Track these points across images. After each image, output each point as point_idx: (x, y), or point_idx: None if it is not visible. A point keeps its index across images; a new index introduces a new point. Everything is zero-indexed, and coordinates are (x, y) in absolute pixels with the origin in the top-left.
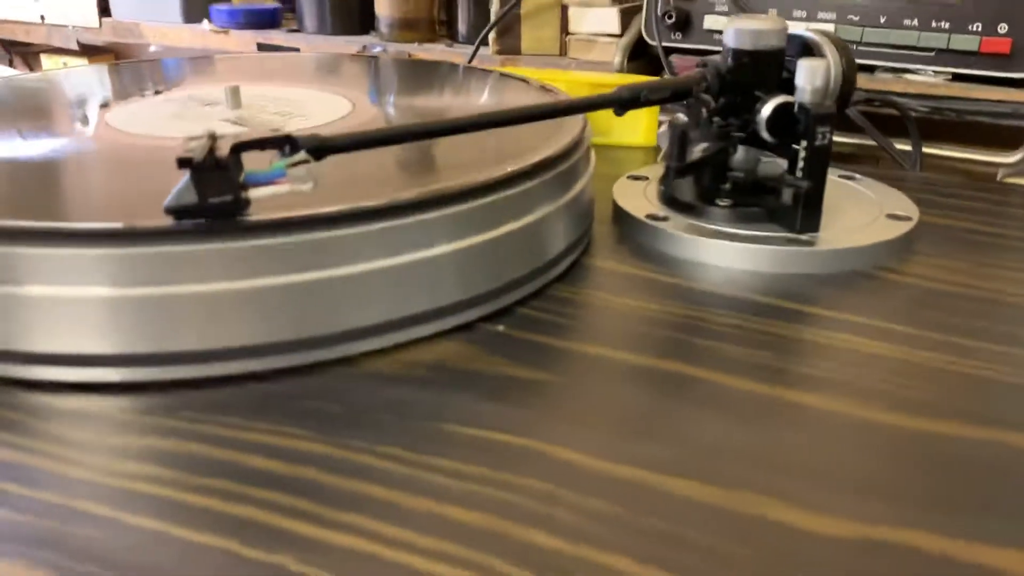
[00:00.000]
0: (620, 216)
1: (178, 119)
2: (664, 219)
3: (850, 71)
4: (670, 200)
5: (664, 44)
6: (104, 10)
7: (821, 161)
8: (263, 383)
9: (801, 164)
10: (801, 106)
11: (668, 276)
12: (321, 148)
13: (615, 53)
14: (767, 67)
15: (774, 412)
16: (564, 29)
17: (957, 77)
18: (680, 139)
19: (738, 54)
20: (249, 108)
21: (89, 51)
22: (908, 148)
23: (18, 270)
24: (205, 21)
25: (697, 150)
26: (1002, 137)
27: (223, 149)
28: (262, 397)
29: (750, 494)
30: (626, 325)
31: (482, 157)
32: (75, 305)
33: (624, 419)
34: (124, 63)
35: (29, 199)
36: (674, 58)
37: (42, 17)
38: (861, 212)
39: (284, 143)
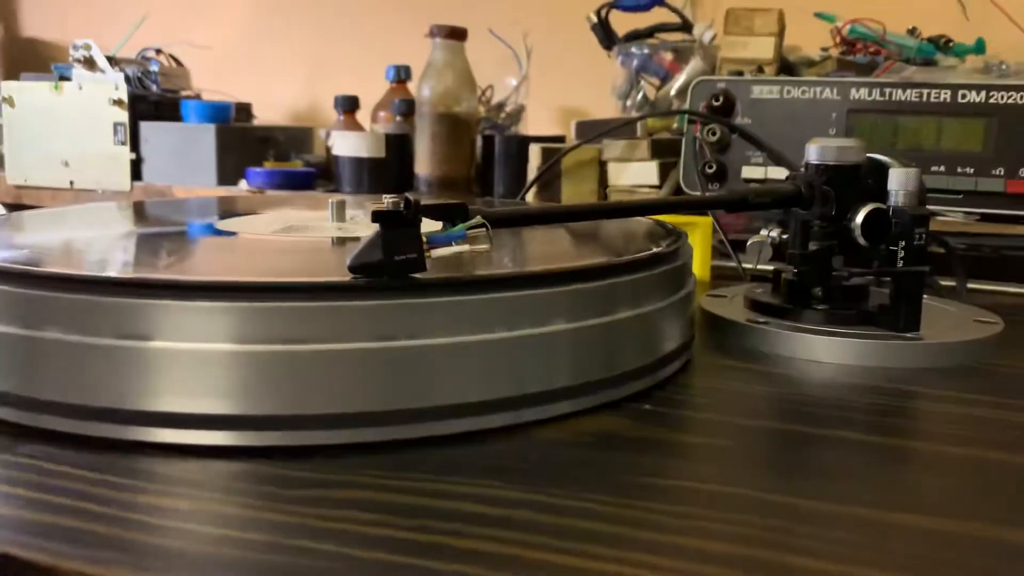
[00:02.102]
0: (716, 324)
1: (287, 228)
2: (765, 323)
3: (920, 191)
4: (761, 307)
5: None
6: (135, 175)
7: (919, 260)
8: (435, 448)
9: (900, 264)
10: (896, 209)
11: (782, 369)
12: (492, 219)
13: None
14: (850, 180)
15: (928, 459)
16: (602, 183)
17: (986, 217)
18: (803, 228)
19: (822, 169)
20: (353, 221)
21: None
22: (946, 283)
23: (220, 330)
24: (243, 182)
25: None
26: None
27: (413, 210)
28: (442, 458)
29: (972, 522)
30: (761, 403)
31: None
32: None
33: (810, 469)
34: (203, 198)
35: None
36: None
37: (71, 183)
38: (948, 318)
39: (458, 212)
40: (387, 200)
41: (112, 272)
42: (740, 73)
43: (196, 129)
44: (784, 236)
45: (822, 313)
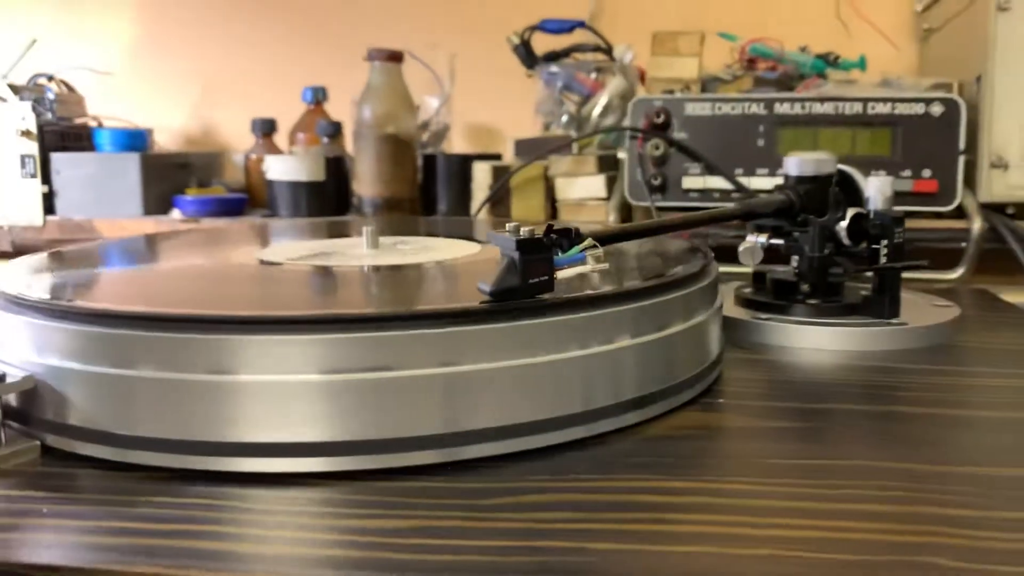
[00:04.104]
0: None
1: (327, 256)
2: (768, 319)
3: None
4: (754, 305)
5: (646, 203)
6: (48, 208)
7: (899, 256)
8: (563, 453)
9: (883, 260)
10: (877, 212)
11: (799, 358)
12: (599, 238)
13: (608, 213)
14: (828, 189)
15: (975, 423)
16: (550, 197)
17: None
18: (822, 232)
19: (803, 180)
20: (385, 247)
21: (25, 253)
22: None
23: (372, 359)
24: (174, 212)
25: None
26: (945, 257)
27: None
28: (587, 460)
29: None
30: (808, 388)
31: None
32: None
33: (898, 439)
34: (225, 226)
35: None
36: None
37: None
38: (911, 305)
39: (567, 235)
40: (521, 228)
41: (199, 310)
42: (671, 91)
43: (117, 159)
44: (772, 241)
45: (812, 307)
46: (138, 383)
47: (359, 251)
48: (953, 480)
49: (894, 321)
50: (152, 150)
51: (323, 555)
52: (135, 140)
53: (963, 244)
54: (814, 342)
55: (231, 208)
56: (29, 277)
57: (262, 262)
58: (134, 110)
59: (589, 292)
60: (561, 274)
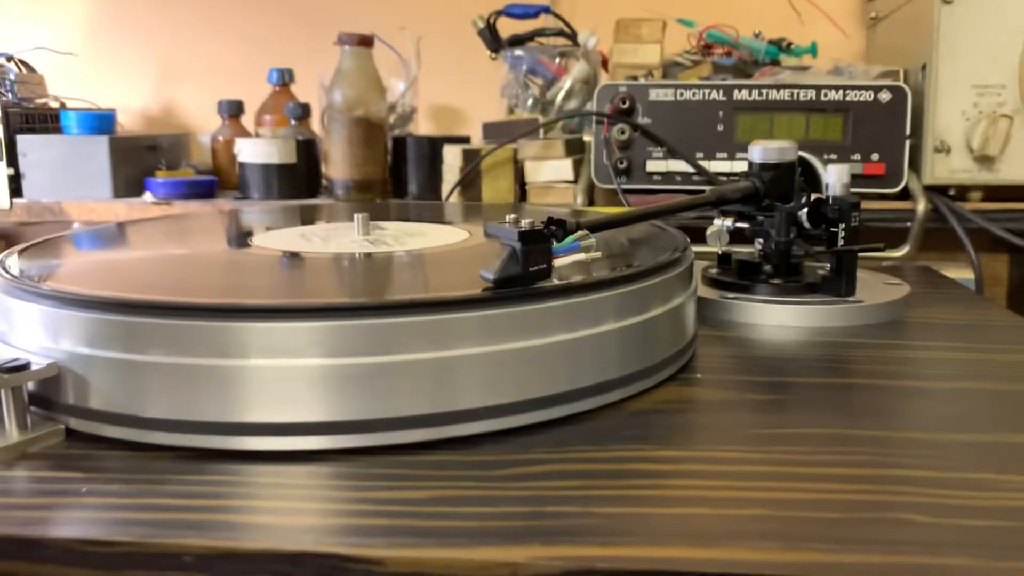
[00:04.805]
0: None
1: (322, 241)
2: (735, 298)
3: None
4: (720, 285)
5: (612, 186)
6: (14, 191)
7: (855, 238)
8: (558, 427)
9: (841, 243)
10: (835, 198)
11: (765, 335)
12: (590, 227)
13: (576, 194)
14: (790, 175)
15: (929, 393)
16: (518, 180)
17: None
18: (787, 218)
19: (766, 167)
20: (376, 234)
21: None
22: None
23: (393, 343)
24: (147, 195)
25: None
26: (892, 236)
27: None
28: (584, 433)
29: (975, 433)
30: (776, 363)
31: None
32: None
33: (861, 408)
34: (223, 212)
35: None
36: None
37: None
38: (863, 284)
39: (560, 226)
40: (521, 220)
41: (205, 299)
42: (635, 78)
43: (86, 141)
44: (738, 224)
45: (775, 286)
46: (158, 368)
47: (352, 237)
48: (913, 445)
49: (851, 299)
50: (116, 132)
51: (355, 524)
52: (102, 122)
53: (908, 224)
54: (778, 319)
55: (202, 190)
56: (38, 265)
57: (262, 250)
58: (95, 91)
59: (581, 279)
60: (558, 262)
